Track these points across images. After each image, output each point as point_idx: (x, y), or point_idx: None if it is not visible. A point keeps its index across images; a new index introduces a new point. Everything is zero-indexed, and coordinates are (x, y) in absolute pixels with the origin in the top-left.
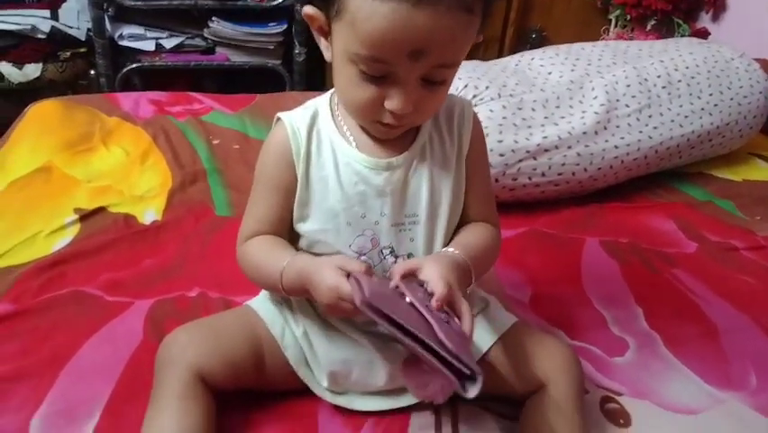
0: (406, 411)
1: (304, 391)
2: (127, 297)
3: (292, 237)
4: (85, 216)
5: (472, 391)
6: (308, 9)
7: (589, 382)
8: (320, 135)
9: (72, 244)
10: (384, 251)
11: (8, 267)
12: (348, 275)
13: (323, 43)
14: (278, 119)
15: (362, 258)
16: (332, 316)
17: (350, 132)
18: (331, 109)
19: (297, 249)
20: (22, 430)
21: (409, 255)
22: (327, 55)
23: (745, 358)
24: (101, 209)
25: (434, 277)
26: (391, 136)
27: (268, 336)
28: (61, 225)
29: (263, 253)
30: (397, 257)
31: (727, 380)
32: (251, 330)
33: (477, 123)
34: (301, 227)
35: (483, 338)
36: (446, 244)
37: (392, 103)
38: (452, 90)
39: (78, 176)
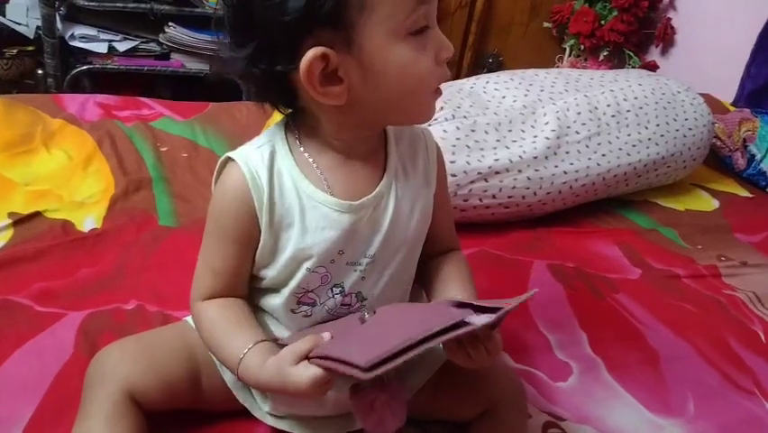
0: None
1: (241, 412)
2: (59, 308)
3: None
4: (19, 221)
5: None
6: (320, 50)
7: (533, 406)
8: (282, 178)
9: (3, 250)
10: (334, 288)
11: None
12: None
13: (334, 91)
14: (230, 160)
15: (309, 295)
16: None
17: (319, 168)
18: (289, 145)
19: (254, 288)
20: None
21: (358, 294)
22: (342, 98)
23: (685, 385)
24: (37, 214)
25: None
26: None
27: (205, 355)
28: None
29: (219, 334)
30: (345, 295)
31: (667, 407)
32: (188, 348)
33: (440, 155)
34: (262, 273)
35: (432, 359)
36: (395, 283)
37: (446, 46)
38: None
39: (16, 178)
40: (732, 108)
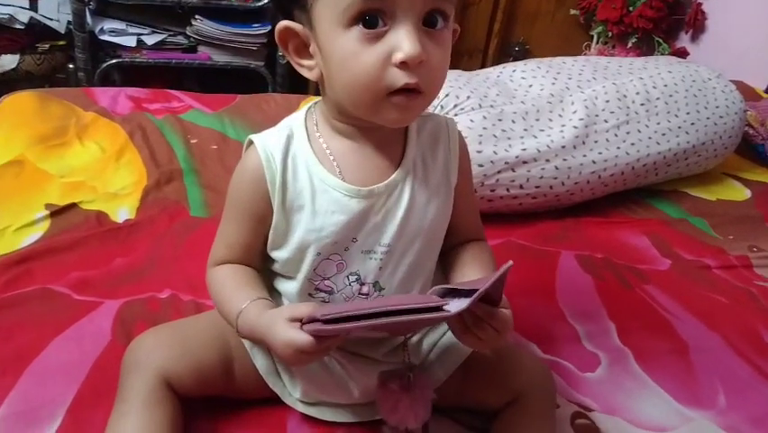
0: (377, 424)
1: (273, 400)
2: (96, 296)
3: (264, 260)
4: (56, 212)
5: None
6: (283, 23)
7: (561, 396)
8: (296, 161)
9: (41, 241)
10: (350, 276)
11: None
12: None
13: (305, 64)
14: (251, 142)
15: (326, 282)
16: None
17: (333, 155)
18: (307, 130)
19: (270, 270)
20: None
21: (375, 283)
22: (312, 73)
23: (714, 377)
24: (73, 206)
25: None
26: (410, 117)
27: (238, 343)
28: (31, 220)
29: (227, 291)
30: (362, 284)
31: (696, 398)
32: (220, 336)
33: (463, 145)
34: (275, 254)
35: (459, 350)
36: (414, 275)
37: (401, 51)
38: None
39: (51, 171)
40: (765, 95)
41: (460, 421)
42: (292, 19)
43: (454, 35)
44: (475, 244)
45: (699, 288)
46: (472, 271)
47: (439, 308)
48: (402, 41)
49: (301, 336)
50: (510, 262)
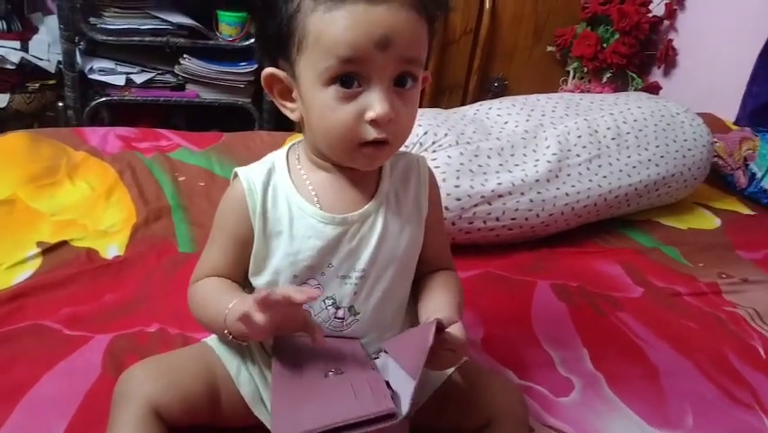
0: None
1: (258, 428)
2: (87, 331)
3: (246, 286)
4: (47, 250)
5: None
6: (269, 70)
7: (536, 420)
8: (276, 191)
9: (33, 278)
10: (327, 300)
11: None
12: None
13: (288, 106)
14: (236, 174)
15: (304, 307)
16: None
17: (312, 186)
18: (288, 164)
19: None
20: None
21: (351, 308)
22: (294, 115)
23: (684, 400)
24: (64, 243)
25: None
26: (377, 163)
27: (224, 373)
28: (23, 258)
29: (212, 296)
30: (338, 308)
31: (666, 420)
32: (207, 366)
33: (433, 181)
34: (255, 281)
35: (433, 376)
36: (387, 300)
37: (373, 110)
38: (412, 136)
39: (43, 209)
40: (734, 127)
41: None
42: (277, 65)
43: (425, 82)
44: (444, 272)
45: (671, 314)
46: (439, 298)
47: (393, 415)
48: (374, 102)
49: (248, 308)
50: (435, 319)
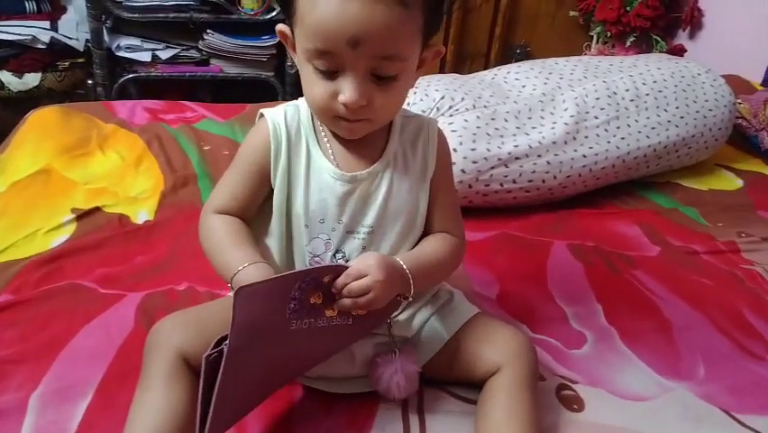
0: (376, 395)
1: None
2: (120, 290)
3: (260, 222)
4: (81, 216)
5: None
6: (280, 26)
7: (547, 370)
8: (299, 137)
9: (69, 241)
10: (337, 255)
11: (9, 261)
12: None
13: (295, 58)
14: (262, 115)
15: (316, 259)
16: None
17: (327, 139)
18: (312, 115)
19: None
20: (21, 407)
21: None
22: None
23: (696, 352)
24: (97, 209)
25: (358, 260)
26: (356, 135)
27: None
28: (59, 223)
29: (223, 244)
30: (347, 262)
31: (677, 371)
32: None
33: (442, 142)
34: (269, 241)
35: (447, 326)
36: (394, 255)
37: (343, 95)
38: (428, 101)
39: (76, 178)
40: (761, 88)
41: (452, 393)
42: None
43: (438, 56)
44: (440, 234)
45: (686, 272)
46: (409, 253)
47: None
48: (345, 88)
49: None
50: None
